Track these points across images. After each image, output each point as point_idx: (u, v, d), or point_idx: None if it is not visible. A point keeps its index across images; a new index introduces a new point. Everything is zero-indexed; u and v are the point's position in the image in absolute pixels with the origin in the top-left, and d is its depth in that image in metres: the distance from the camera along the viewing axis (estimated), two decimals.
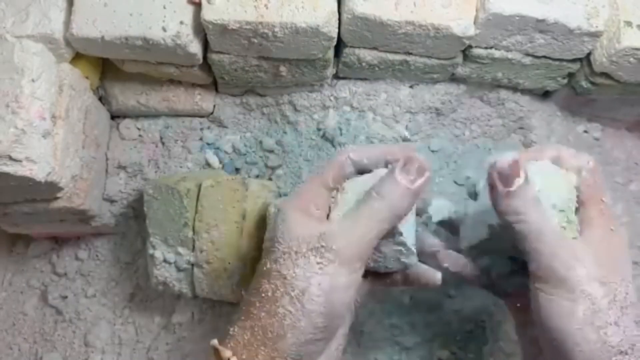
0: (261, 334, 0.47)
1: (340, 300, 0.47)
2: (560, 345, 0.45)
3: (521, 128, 0.77)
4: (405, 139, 0.73)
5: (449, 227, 0.59)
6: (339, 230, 0.47)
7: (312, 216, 0.50)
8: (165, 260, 0.68)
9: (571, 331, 0.45)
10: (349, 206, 0.50)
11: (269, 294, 0.47)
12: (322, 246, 0.46)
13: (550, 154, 0.51)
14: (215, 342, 0.47)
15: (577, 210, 0.49)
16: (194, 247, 0.67)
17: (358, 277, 0.49)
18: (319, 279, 0.46)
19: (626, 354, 0.44)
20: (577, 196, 0.49)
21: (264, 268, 0.49)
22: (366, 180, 0.51)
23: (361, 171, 0.52)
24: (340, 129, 0.73)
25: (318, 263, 0.46)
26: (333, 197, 0.52)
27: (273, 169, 0.73)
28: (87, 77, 0.69)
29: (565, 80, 0.72)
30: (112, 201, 0.75)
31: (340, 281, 0.47)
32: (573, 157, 0.50)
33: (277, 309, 0.46)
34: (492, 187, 0.47)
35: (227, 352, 0.46)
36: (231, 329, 0.48)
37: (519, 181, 0.45)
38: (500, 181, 0.46)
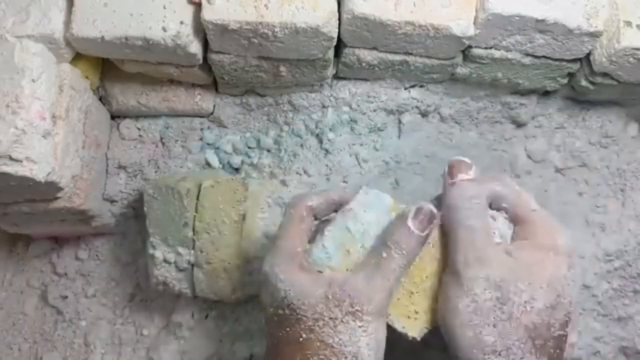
0: None
1: (382, 352, 0.49)
2: (447, 340, 0.48)
3: (520, 127, 0.77)
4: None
5: None
6: (366, 287, 0.48)
7: (311, 271, 0.50)
8: (165, 260, 0.68)
9: (452, 326, 0.47)
10: (343, 250, 0.51)
11: None
12: (358, 310, 0.47)
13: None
14: None
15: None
16: (194, 247, 0.67)
17: (385, 325, 0.50)
18: (366, 340, 0.48)
19: (499, 354, 0.46)
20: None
21: (300, 339, 0.48)
22: (344, 218, 0.52)
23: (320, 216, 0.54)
24: (339, 130, 0.73)
25: (360, 327, 0.47)
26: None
27: (272, 168, 0.73)
28: (87, 77, 0.69)
29: (565, 80, 0.72)
30: (112, 201, 0.75)
31: (381, 335, 0.49)
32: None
33: None
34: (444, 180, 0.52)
35: None
36: None
37: (464, 176, 0.51)
38: (448, 173, 0.52)
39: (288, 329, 0.49)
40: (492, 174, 0.59)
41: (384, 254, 0.49)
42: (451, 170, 0.52)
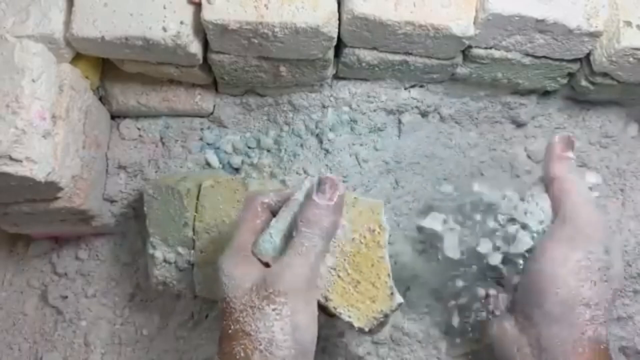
0: None
1: (306, 337, 0.49)
2: (540, 285, 0.52)
3: (520, 127, 0.77)
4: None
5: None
6: (279, 269, 0.49)
7: (252, 263, 0.52)
8: (165, 260, 0.68)
9: (557, 274, 0.52)
10: (289, 239, 0.51)
11: (242, 354, 0.48)
12: (271, 292, 0.48)
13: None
14: None
15: None
16: (194, 247, 0.67)
17: (314, 308, 0.51)
18: (279, 324, 0.48)
19: (589, 307, 0.51)
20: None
21: (229, 331, 0.49)
22: (290, 208, 0.53)
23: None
24: (339, 130, 0.73)
25: (273, 310, 0.48)
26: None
27: (272, 168, 0.73)
28: (87, 77, 0.69)
29: (565, 80, 0.72)
30: (112, 201, 0.75)
31: (299, 319, 0.49)
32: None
33: None
34: (549, 153, 0.57)
35: None
36: None
37: (569, 154, 0.56)
38: (558, 146, 0.57)
39: (224, 322, 0.50)
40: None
41: (297, 234, 0.50)
42: (563, 145, 0.56)
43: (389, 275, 0.53)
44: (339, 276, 0.53)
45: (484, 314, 0.60)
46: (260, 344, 0.48)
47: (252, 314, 0.48)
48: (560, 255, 0.52)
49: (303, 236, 0.50)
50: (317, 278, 0.52)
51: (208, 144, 0.76)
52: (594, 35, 0.64)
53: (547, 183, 0.57)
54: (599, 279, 0.52)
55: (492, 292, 0.60)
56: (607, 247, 0.52)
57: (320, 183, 0.51)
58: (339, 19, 0.63)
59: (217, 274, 0.52)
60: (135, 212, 0.76)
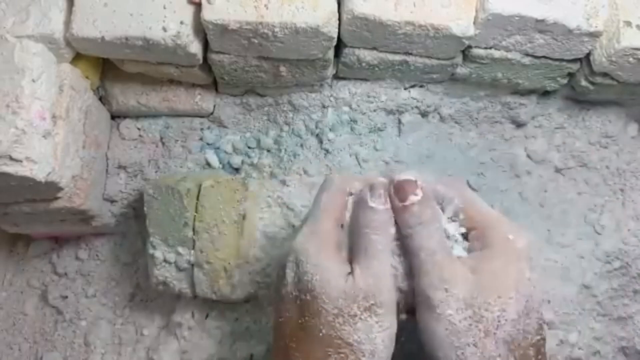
0: None
1: (393, 346, 0.48)
2: None
3: (520, 127, 0.77)
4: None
5: None
6: (369, 277, 0.47)
7: (342, 263, 0.49)
8: (165, 260, 0.68)
9: (434, 350, 0.46)
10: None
11: None
12: (373, 304, 0.47)
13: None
14: None
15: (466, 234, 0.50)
16: (194, 247, 0.67)
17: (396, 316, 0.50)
18: (381, 336, 0.47)
19: None
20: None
21: (320, 334, 0.47)
22: None
23: None
24: (339, 130, 0.73)
25: (377, 322, 0.47)
26: None
27: (272, 168, 0.73)
28: (87, 77, 0.69)
29: (565, 80, 0.72)
30: (112, 201, 0.75)
31: (394, 329, 0.48)
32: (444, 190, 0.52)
33: None
34: (390, 199, 0.49)
35: None
36: None
37: (413, 198, 0.48)
38: (396, 195, 0.49)
39: (307, 318, 0.48)
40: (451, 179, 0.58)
41: (365, 242, 0.48)
42: (399, 193, 0.49)
43: None
44: None
45: None
46: (364, 355, 0.46)
47: (354, 324, 0.46)
48: (429, 330, 0.47)
49: (372, 243, 0.48)
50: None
51: (208, 144, 0.76)
52: (594, 35, 0.64)
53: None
54: (479, 337, 0.46)
55: None
56: (468, 298, 0.46)
57: (373, 190, 0.49)
58: (339, 19, 0.63)
59: (295, 259, 0.49)
60: (135, 212, 0.76)
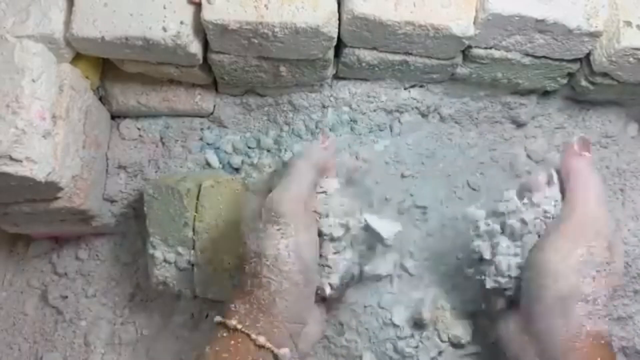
0: (256, 304, 0.54)
1: (309, 255, 0.55)
2: (541, 279, 0.53)
3: (520, 127, 0.77)
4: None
5: None
6: (278, 194, 0.55)
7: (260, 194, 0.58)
8: (165, 260, 0.68)
9: (558, 269, 0.52)
10: None
11: (252, 270, 0.54)
12: (273, 215, 0.54)
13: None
14: (219, 318, 0.54)
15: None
16: (194, 247, 0.67)
17: (314, 230, 0.57)
18: (284, 242, 0.54)
19: (587, 302, 0.52)
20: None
21: (240, 250, 0.57)
22: None
23: None
24: (339, 130, 0.73)
25: (278, 230, 0.54)
26: None
27: (272, 168, 0.73)
28: (87, 77, 0.69)
29: (565, 80, 0.72)
30: (112, 201, 0.75)
31: (302, 238, 0.54)
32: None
33: (261, 280, 0.54)
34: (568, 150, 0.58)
35: (232, 322, 0.53)
36: (232, 305, 0.55)
37: (587, 153, 0.58)
38: (577, 145, 0.58)
39: (241, 248, 0.57)
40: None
41: (290, 163, 0.58)
42: (585, 145, 0.58)
43: None
44: None
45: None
46: (267, 260, 0.53)
47: (259, 235, 0.54)
48: (563, 249, 0.53)
49: (295, 165, 0.57)
50: (313, 204, 0.58)
51: (208, 144, 0.76)
52: (594, 35, 0.64)
53: (564, 176, 0.59)
54: (599, 274, 0.53)
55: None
56: (609, 244, 0.53)
57: (322, 133, 0.62)
58: (339, 19, 0.63)
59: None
60: (135, 212, 0.76)
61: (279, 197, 0.55)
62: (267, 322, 0.54)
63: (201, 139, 0.76)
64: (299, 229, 0.54)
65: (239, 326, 0.53)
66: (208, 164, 0.75)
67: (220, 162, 0.75)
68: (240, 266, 0.57)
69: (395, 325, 0.68)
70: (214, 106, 0.75)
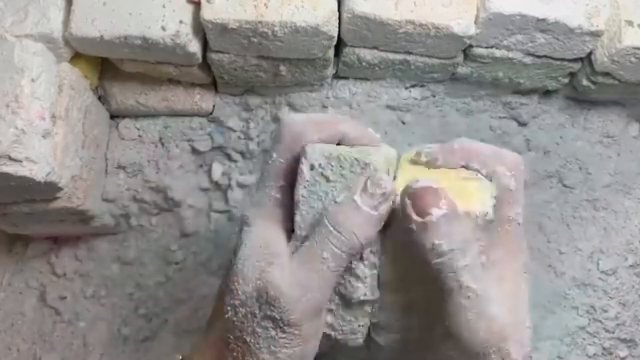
0: None
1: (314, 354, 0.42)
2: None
3: (521, 126, 0.77)
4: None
5: None
6: (288, 288, 0.39)
7: (271, 244, 0.42)
8: None
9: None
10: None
11: (239, 356, 0.41)
12: (277, 319, 0.39)
13: (460, 156, 0.43)
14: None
15: None
16: None
17: (320, 335, 0.43)
18: (286, 352, 0.40)
19: None
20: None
21: (226, 315, 0.41)
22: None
23: None
24: None
25: (282, 339, 0.39)
26: None
27: None
28: (86, 77, 0.69)
29: (567, 80, 0.72)
30: (111, 201, 0.75)
31: (308, 349, 0.41)
32: (491, 157, 0.43)
33: None
34: (404, 216, 0.38)
35: None
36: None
37: (438, 211, 0.37)
38: (414, 209, 0.37)
39: (224, 293, 0.42)
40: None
41: (318, 238, 0.39)
42: (418, 206, 0.37)
43: None
44: None
45: None
46: None
47: (252, 324, 0.40)
48: None
49: (326, 244, 0.39)
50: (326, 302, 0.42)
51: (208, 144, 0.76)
52: (596, 34, 0.64)
53: None
54: None
55: None
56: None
57: (370, 182, 0.39)
58: (339, 18, 0.63)
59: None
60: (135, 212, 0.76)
61: (295, 296, 0.38)
62: None
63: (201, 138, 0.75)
64: (308, 339, 0.41)
65: None
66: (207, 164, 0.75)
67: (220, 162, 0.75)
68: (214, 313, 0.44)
69: None
70: (214, 106, 0.75)
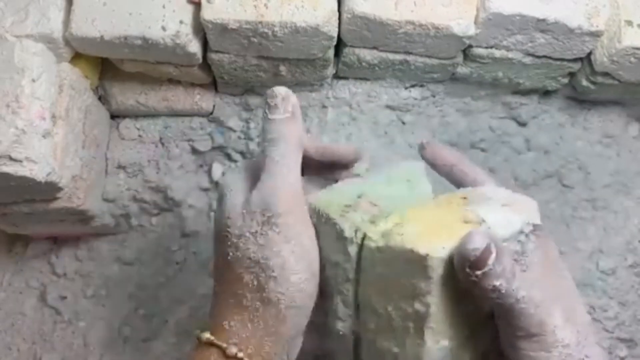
0: (262, 324, 0.44)
1: (312, 257, 0.46)
2: None
3: (521, 126, 0.77)
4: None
5: None
6: (268, 191, 0.45)
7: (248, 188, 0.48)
8: None
9: None
10: None
11: (255, 283, 0.44)
12: (270, 216, 0.44)
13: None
14: (207, 335, 0.44)
15: None
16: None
17: (311, 225, 0.47)
18: (289, 248, 0.44)
19: None
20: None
21: (229, 257, 0.46)
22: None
23: None
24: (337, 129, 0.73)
25: (279, 233, 0.44)
26: None
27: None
28: (86, 77, 0.69)
29: (566, 80, 0.72)
30: (111, 201, 0.75)
31: (305, 238, 0.46)
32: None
33: (270, 296, 0.44)
34: (461, 270, 0.40)
35: (232, 349, 0.43)
36: (225, 322, 0.45)
37: (492, 258, 0.39)
38: (472, 269, 0.39)
39: (220, 247, 0.47)
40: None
41: (265, 153, 0.47)
42: (476, 264, 0.39)
43: None
44: None
45: None
46: (274, 271, 0.44)
47: (255, 240, 0.45)
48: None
49: (272, 153, 0.46)
50: (302, 192, 0.47)
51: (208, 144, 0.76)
52: (595, 34, 0.64)
53: None
54: (584, 346, 0.43)
55: None
56: (567, 318, 0.42)
57: (270, 97, 0.47)
58: (339, 18, 0.63)
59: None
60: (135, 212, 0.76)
61: (271, 192, 0.45)
62: (274, 345, 0.44)
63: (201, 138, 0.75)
64: (301, 228, 0.45)
65: (240, 354, 0.43)
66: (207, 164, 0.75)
67: (220, 163, 0.75)
68: (222, 272, 0.47)
69: None
70: (214, 106, 0.75)
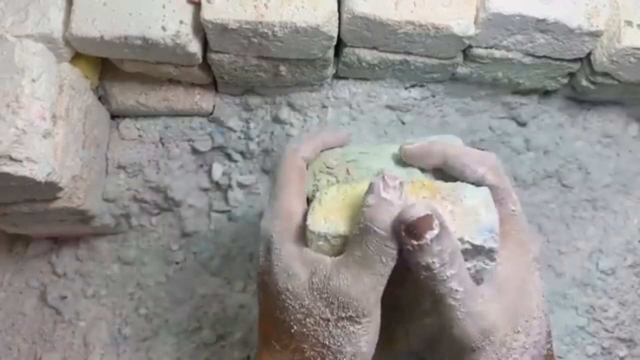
0: None
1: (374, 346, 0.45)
2: None
3: (521, 126, 0.77)
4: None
5: None
6: (356, 292, 0.42)
7: (301, 242, 0.45)
8: None
9: None
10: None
11: (318, 358, 0.44)
12: (352, 317, 0.42)
13: (437, 160, 0.48)
14: None
15: None
16: None
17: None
18: (365, 339, 0.43)
19: None
20: None
21: (292, 330, 0.44)
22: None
23: None
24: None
25: (360, 329, 0.43)
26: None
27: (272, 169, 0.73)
28: (86, 77, 0.69)
29: (566, 80, 0.72)
30: (111, 201, 0.75)
31: (377, 326, 0.44)
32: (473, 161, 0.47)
33: None
34: (400, 240, 0.41)
35: None
36: None
37: (432, 233, 0.40)
38: (408, 235, 0.40)
39: (278, 313, 0.45)
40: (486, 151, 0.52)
41: (365, 239, 0.42)
42: (412, 233, 0.40)
43: None
44: None
45: None
46: (344, 356, 0.43)
47: (326, 327, 0.43)
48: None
49: (373, 243, 0.42)
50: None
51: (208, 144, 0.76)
52: (595, 34, 0.64)
53: None
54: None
55: None
56: (514, 328, 0.44)
57: (385, 178, 0.42)
58: (339, 19, 0.63)
59: (260, 242, 0.47)
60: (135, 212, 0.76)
61: (362, 297, 0.42)
62: None
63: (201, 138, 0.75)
64: (377, 319, 0.44)
65: None
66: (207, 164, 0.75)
67: (220, 162, 0.75)
68: (280, 335, 0.45)
69: None
70: (214, 106, 0.75)
